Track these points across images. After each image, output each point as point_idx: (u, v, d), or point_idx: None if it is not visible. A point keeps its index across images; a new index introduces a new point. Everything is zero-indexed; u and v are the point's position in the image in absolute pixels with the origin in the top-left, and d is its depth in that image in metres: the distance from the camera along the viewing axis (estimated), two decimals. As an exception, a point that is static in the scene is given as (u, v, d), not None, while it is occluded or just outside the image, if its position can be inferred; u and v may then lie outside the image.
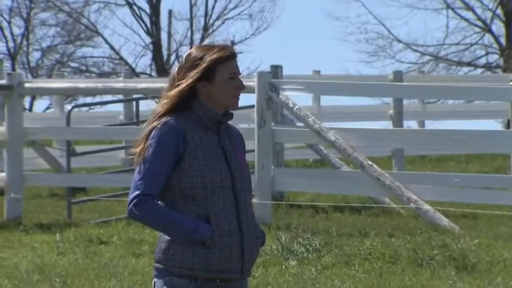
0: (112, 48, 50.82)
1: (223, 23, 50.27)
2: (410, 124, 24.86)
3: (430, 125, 25.79)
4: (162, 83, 13.11)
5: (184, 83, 5.31)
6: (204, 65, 5.28)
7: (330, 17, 52.80)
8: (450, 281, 12.20)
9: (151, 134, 5.30)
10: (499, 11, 49.69)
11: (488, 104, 25.83)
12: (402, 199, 15.72)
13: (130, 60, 50.52)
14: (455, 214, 16.05)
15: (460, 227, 15.20)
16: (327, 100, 24.18)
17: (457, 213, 16.13)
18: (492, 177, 18.25)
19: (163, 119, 5.32)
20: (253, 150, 15.15)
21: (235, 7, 49.85)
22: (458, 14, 50.52)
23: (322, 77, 26.26)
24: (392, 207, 16.64)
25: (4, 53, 46.16)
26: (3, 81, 18.05)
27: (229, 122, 5.50)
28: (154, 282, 5.35)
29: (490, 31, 50.18)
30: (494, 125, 25.71)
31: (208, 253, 5.23)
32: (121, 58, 50.95)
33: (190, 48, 6.12)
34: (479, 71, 49.88)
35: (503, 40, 49.71)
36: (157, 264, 5.35)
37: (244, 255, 5.35)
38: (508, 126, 21.74)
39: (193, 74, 5.29)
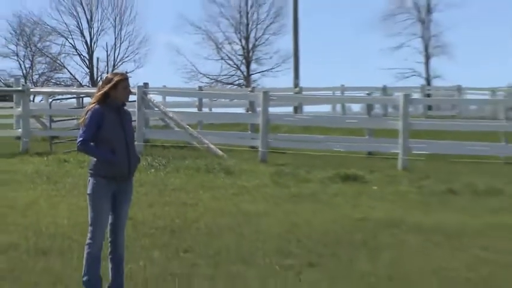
0: (71, 74, 57.51)
1: (122, 63, 56.91)
2: (205, 109, 27.11)
3: (214, 110, 28.47)
4: (93, 90, 14.68)
5: (103, 90, 6.22)
6: (113, 82, 6.24)
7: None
8: (222, 179, 13.98)
9: (88, 113, 6.20)
10: (244, 61, 54.91)
11: (240, 101, 28.05)
12: (202, 143, 17.82)
13: (79, 79, 56.49)
14: (224, 149, 17.50)
15: (227, 155, 17.05)
16: (168, 98, 26.32)
17: (226, 149, 17.53)
18: (243, 134, 19.94)
19: (93, 106, 6.22)
20: (135, 121, 17.18)
21: (127, 57, 57.08)
22: (226, 62, 55.49)
23: (167, 88, 29.40)
24: (197, 146, 18.21)
25: (21, 75, 53.01)
26: (20, 88, 20.77)
27: (125, 108, 6.37)
28: (89, 179, 6.23)
29: (239, 69, 55.41)
30: (242, 111, 27.80)
31: (114, 166, 6.14)
32: (75, 78, 56.44)
33: (107, 74, 7.12)
34: (235, 86, 54.05)
35: (245, 72, 54.71)
36: (90, 171, 6.24)
37: (130, 167, 6.26)
38: (247, 111, 24.03)
39: (108, 87, 6.21)
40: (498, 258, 8.24)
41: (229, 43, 55.40)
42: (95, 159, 6.23)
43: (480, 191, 13.07)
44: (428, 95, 36.81)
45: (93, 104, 6.27)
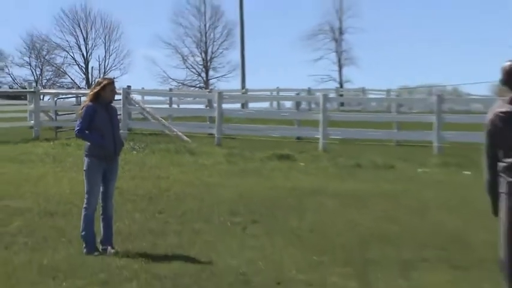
0: (72, 79, 55.25)
1: (111, 71, 54.52)
2: (174, 106, 25.12)
3: (181, 106, 26.53)
4: (88, 91, 14.19)
5: (95, 91, 6.09)
6: (102, 85, 6.10)
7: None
8: (187, 158, 13.69)
9: (84, 108, 6.08)
10: (204, 69, 52.12)
11: (201, 99, 25.40)
12: (172, 131, 17.30)
13: (78, 83, 54.66)
14: (189, 135, 16.95)
15: (191, 140, 16.51)
16: (146, 97, 24.63)
17: (190, 135, 16.95)
18: (203, 124, 18.75)
19: (88, 103, 6.11)
20: (120, 114, 16.36)
21: (115, 66, 54.69)
22: (190, 70, 52.35)
23: (145, 89, 27.72)
24: (168, 134, 17.55)
25: (33, 80, 50.86)
26: (32, 89, 20.44)
27: (112, 105, 6.23)
28: (85, 159, 6.10)
29: (200, 75, 52.12)
30: (202, 106, 26.20)
31: (104, 148, 6.02)
32: (74, 82, 54.64)
33: (99, 78, 6.94)
34: (197, 88, 50.59)
35: (205, 78, 51.62)
36: (85, 152, 6.10)
37: (116, 149, 6.14)
38: (206, 107, 22.88)
39: (99, 88, 6.08)
40: (391, 215, 8.33)
41: (192, 56, 54.75)
42: (89, 143, 6.11)
43: (379, 165, 13.21)
44: (341, 95, 37.18)
45: (87, 102, 6.14)
